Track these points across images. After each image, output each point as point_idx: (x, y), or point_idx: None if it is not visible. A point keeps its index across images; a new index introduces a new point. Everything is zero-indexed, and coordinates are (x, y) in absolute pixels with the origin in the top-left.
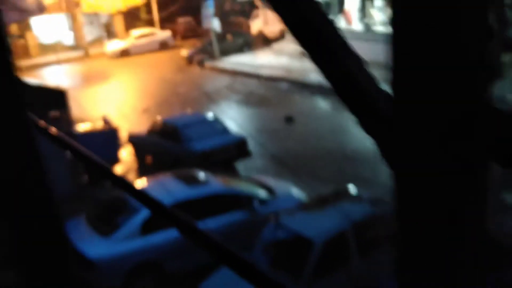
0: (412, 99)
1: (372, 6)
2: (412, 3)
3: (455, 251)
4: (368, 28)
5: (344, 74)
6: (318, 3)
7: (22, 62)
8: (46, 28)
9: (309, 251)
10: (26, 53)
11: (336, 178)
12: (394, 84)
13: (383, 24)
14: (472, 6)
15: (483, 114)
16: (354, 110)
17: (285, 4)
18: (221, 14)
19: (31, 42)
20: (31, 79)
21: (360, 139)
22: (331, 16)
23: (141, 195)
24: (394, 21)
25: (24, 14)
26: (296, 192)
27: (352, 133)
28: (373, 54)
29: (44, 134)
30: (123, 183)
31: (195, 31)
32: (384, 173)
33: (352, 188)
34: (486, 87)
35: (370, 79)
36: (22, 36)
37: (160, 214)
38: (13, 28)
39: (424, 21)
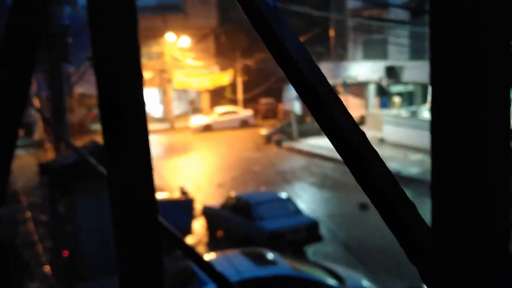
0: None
1: None
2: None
3: None
4: None
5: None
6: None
7: None
8: None
9: None
10: None
11: (410, 275)
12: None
13: None
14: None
15: None
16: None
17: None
18: None
19: None
20: None
21: None
22: (415, 107)
23: (209, 268)
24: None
25: None
26: (367, 284)
27: None
28: None
29: None
30: (193, 255)
31: (276, 112)
32: None
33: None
34: None
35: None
36: None
37: None
38: None
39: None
